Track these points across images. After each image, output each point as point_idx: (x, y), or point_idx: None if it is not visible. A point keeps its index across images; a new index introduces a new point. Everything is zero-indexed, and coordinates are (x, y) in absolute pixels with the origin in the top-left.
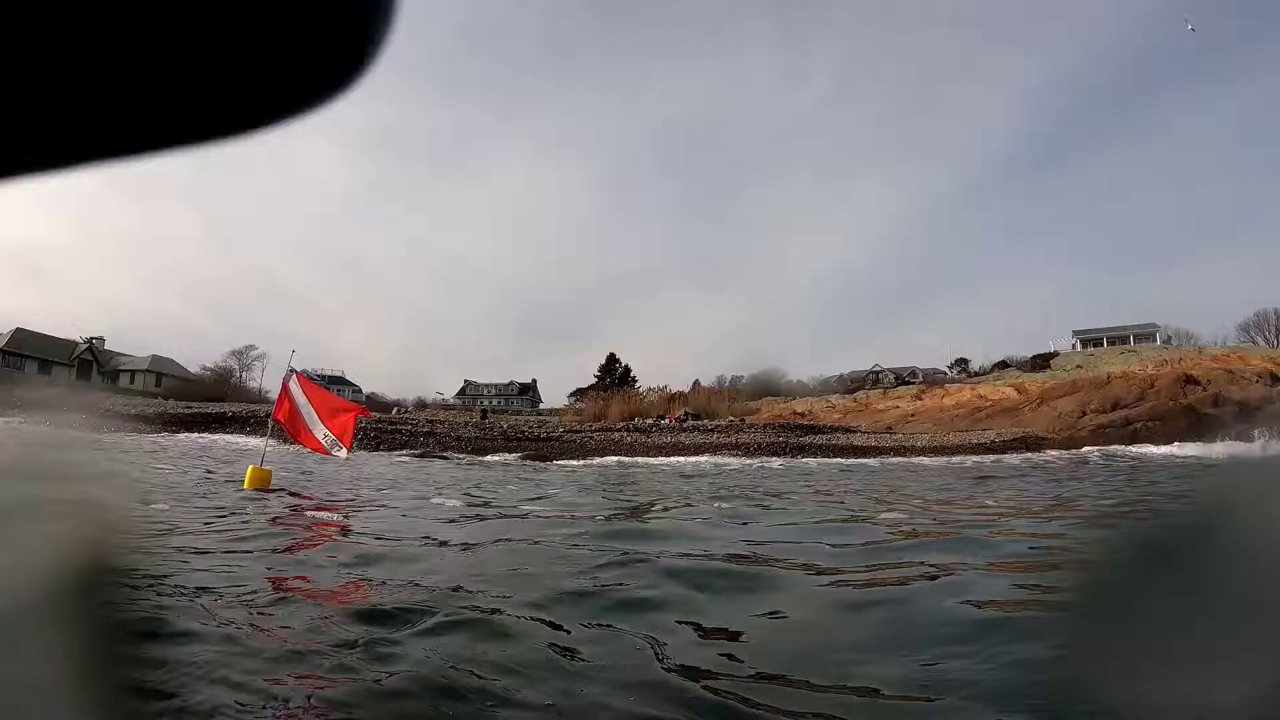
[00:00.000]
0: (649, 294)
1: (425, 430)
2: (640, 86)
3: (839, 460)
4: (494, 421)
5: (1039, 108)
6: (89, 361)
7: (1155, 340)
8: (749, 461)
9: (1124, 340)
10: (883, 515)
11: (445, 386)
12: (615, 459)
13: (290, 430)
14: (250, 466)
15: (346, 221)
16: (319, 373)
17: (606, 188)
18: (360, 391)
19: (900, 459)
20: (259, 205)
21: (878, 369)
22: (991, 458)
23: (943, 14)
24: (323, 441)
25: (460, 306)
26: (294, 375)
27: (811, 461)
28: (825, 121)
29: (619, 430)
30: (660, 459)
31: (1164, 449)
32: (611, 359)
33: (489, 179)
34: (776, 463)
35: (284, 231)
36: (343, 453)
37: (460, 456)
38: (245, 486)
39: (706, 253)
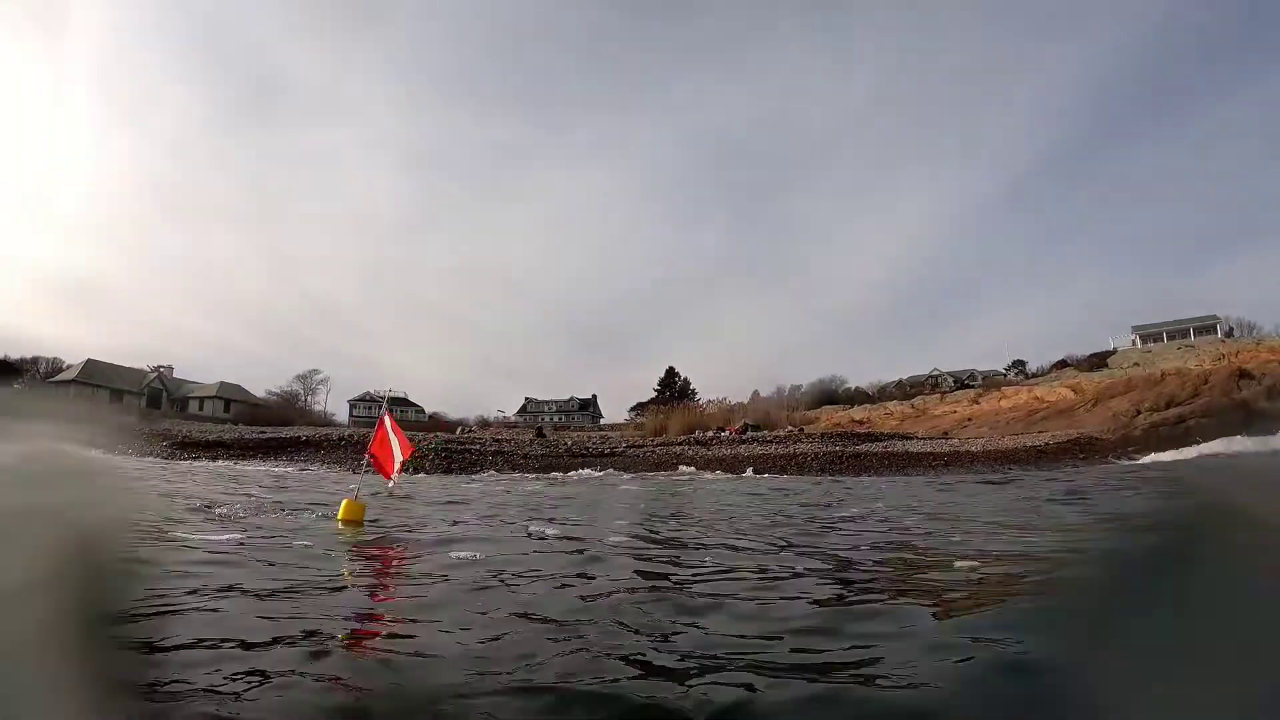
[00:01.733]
0: (705, 305)
1: (494, 450)
2: (684, 96)
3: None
4: (557, 439)
5: (1089, 96)
6: (159, 390)
7: (1216, 333)
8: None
9: (1183, 334)
10: None
11: (506, 404)
12: (673, 473)
13: (379, 462)
14: (345, 500)
15: (398, 243)
16: (382, 394)
17: (657, 198)
18: (423, 412)
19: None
20: (313, 231)
21: (936, 373)
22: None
23: (984, 7)
24: (393, 469)
25: (518, 324)
26: (387, 414)
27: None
28: (872, 122)
29: (679, 444)
30: (713, 474)
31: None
32: (671, 372)
33: (535, 195)
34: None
35: (339, 256)
36: (393, 481)
37: (533, 475)
38: (340, 517)
39: (761, 261)
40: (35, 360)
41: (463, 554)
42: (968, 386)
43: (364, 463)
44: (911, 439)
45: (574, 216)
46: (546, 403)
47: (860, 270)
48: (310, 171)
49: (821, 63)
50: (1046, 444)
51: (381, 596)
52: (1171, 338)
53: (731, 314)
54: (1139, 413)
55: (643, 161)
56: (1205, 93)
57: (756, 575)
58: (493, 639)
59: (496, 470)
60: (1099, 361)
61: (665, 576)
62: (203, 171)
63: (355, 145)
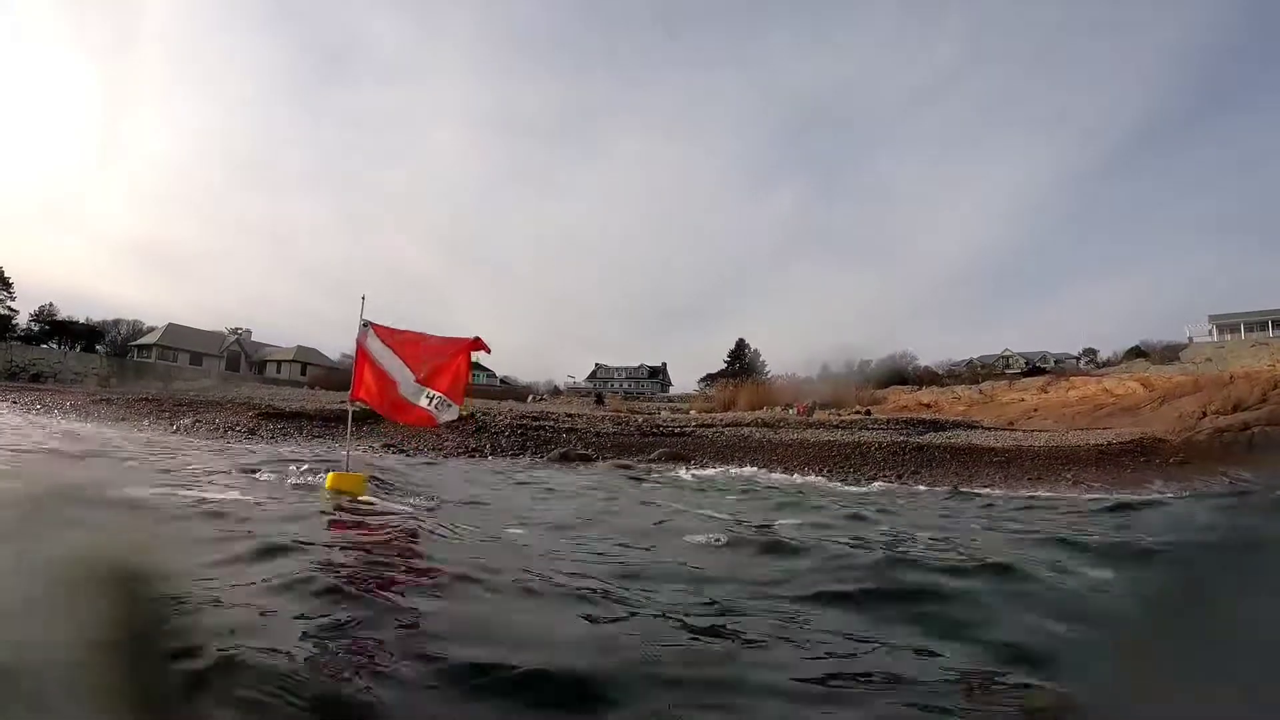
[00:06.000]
0: (779, 274)
1: (567, 427)
2: (764, 58)
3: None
4: (627, 416)
5: (1188, 63)
6: (237, 353)
7: None
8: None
9: (1262, 326)
10: None
11: (577, 370)
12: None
13: (381, 407)
14: (330, 473)
15: (473, 205)
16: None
17: (734, 163)
18: (494, 376)
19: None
20: (389, 193)
21: (1008, 354)
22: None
23: None
24: (428, 408)
25: (589, 288)
26: (369, 330)
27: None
28: (956, 88)
29: (748, 425)
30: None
31: None
32: (740, 344)
33: (612, 157)
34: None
35: (414, 219)
36: (453, 412)
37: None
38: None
39: (838, 230)
40: (117, 323)
41: None
42: (1039, 370)
43: (349, 415)
44: (976, 428)
45: (648, 180)
46: (617, 369)
47: (938, 242)
48: (386, 133)
49: (906, 23)
50: (1109, 443)
51: None
52: (1249, 329)
53: (805, 284)
54: (1205, 414)
55: (719, 126)
56: None
57: None
58: None
59: (569, 452)
60: (1172, 354)
61: None
62: (279, 135)
63: (432, 107)
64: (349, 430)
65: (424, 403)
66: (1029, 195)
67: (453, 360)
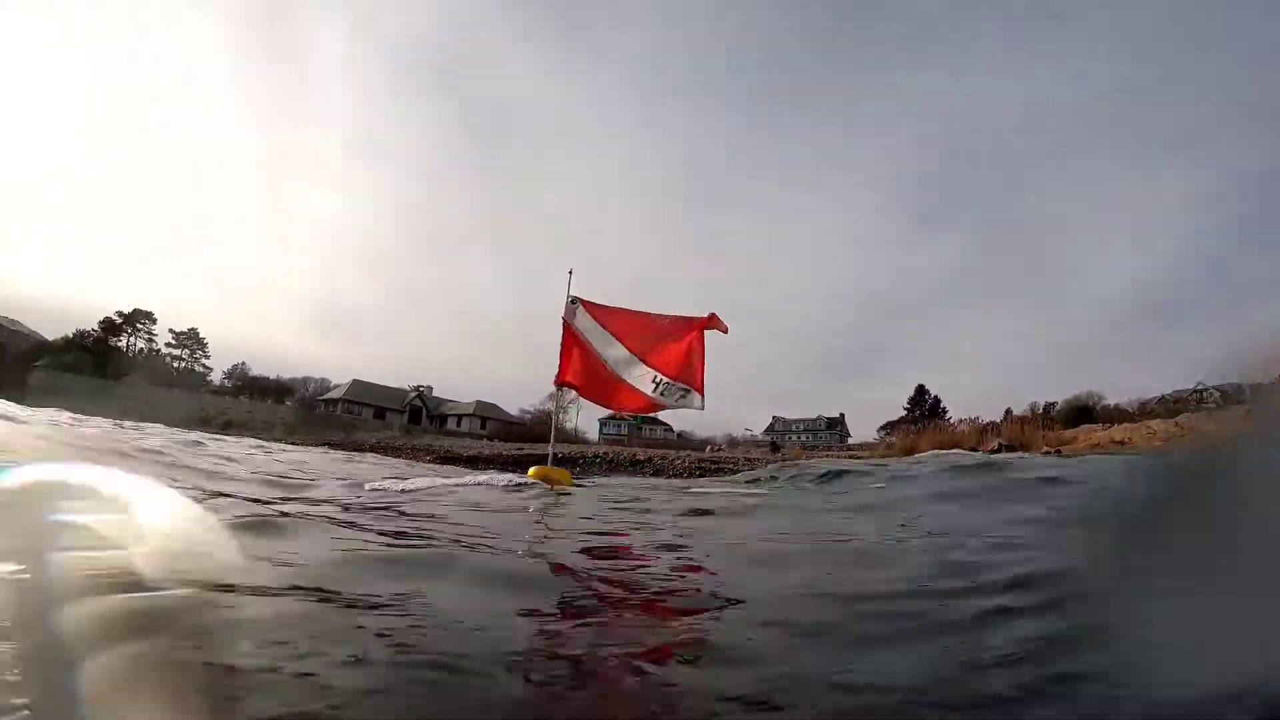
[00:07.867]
0: (954, 320)
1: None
2: (913, 96)
3: None
4: (807, 460)
5: None
6: (419, 407)
7: None
8: None
9: None
10: None
11: (754, 423)
12: None
13: (589, 391)
14: (533, 468)
15: (638, 262)
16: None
17: (895, 207)
18: (671, 430)
19: None
20: (553, 252)
21: (1201, 386)
22: None
23: None
24: (651, 393)
25: (761, 342)
26: (579, 306)
27: None
28: (1123, 108)
29: None
30: None
31: None
32: (920, 390)
33: (769, 209)
34: None
35: (578, 277)
36: (694, 400)
37: None
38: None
39: (1008, 270)
40: (305, 380)
41: None
42: (1240, 402)
43: (555, 400)
44: None
45: (814, 234)
46: (794, 421)
47: (1115, 273)
48: (546, 194)
49: (1064, 46)
50: None
51: None
52: None
53: (981, 328)
54: None
55: (879, 168)
56: None
57: None
58: None
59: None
60: None
61: None
62: (447, 198)
63: (588, 166)
64: (553, 422)
65: (646, 387)
66: (1206, 212)
67: (682, 339)
